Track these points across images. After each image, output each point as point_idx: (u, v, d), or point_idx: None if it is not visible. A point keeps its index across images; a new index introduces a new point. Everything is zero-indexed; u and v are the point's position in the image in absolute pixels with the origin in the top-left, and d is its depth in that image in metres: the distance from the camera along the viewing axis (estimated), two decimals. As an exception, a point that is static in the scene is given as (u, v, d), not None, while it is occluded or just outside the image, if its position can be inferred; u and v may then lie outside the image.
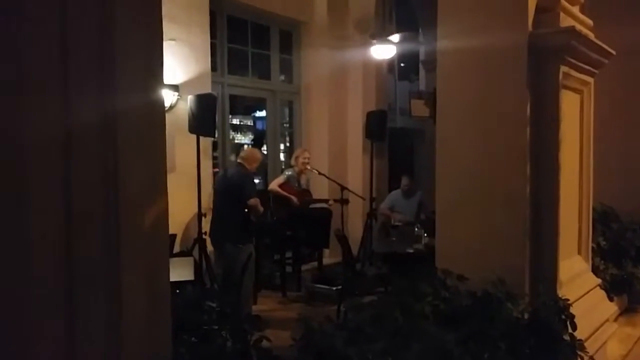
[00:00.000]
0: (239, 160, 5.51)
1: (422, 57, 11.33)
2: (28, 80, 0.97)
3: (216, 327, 2.15)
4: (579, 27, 3.71)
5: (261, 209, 5.43)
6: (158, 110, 1.28)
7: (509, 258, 3.51)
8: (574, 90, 4.04)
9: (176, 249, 5.53)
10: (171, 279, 3.69)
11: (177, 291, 2.55)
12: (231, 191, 5.30)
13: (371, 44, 7.56)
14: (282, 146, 8.69)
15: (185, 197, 5.83)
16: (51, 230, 1.01)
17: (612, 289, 4.64)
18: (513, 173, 3.59)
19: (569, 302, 3.21)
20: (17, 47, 0.94)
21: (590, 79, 4.24)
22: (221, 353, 2.05)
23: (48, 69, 0.99)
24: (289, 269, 6.69)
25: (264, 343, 2.37)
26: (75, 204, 1.03)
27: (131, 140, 1.13)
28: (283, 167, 7.99)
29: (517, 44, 3.55)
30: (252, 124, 12.13)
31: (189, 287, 2.46)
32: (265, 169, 8.18)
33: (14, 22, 0.93)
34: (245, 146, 5.97)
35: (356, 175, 8.20)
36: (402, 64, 13.87)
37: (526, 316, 3.08)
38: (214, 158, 7.02)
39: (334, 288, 5.93)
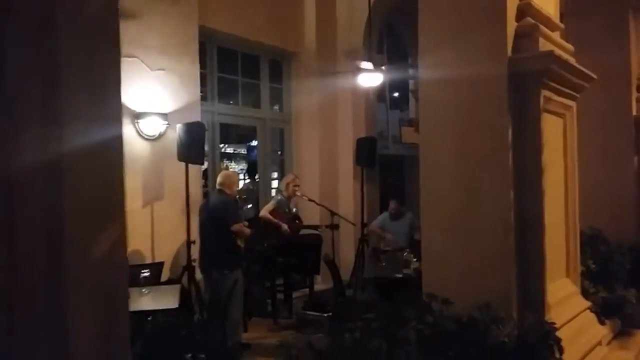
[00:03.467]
0: (217, 187, 5.52)
1: (411, 86, 11.48)
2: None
3: (187, 355, 2.11)
4: (558, 51, 3.77)
5: (247, 231, 5.41)
6: (114, 147, 1.25)
7: (495, 282, 3.49)
8: (556, 114, 4.08)
9: (164, 276, 5.49)
10: (155, 307, 3.69)
11: (149, 318, 2.52)
12: (214, 219, 5.29)
13: (360, 73, 7.66)
14: (275, 174, 8.72)
15: (174, 224, 5.82)
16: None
17: (603, 312, 4.60)
18: (497, 198, 3.59)
19: (555, 325, 3.18)
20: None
21: (572, 103, 4.29)
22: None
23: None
24: (280, 295, 6.64)
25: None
26: (20, 247, 1.01)
27: (80, 179, 1.12)
28: (273, 194, 8.00)
29: (497, 70, 3.59)
30: (245, 153, 12.21)
31: (160, 314, 2.43)
32: (256, 196, 8.18)
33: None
34: (223, 171, 5.94)
35: (347, 201, 8.22)
36: (395, 94, 14.05)
37: (512, 340, 3.05)
38: (204, 186, 7.03)
39: (325, 314, 5.87)
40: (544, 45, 3.76)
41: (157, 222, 5.83)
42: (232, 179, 5.56)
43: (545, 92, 3.73)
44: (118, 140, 1.23)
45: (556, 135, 4.11)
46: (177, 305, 3.78)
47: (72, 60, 1.03)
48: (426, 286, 3.68)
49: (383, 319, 2.95)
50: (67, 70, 1.01)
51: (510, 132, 3.57)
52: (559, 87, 3.90)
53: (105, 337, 1.14)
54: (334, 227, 7.05)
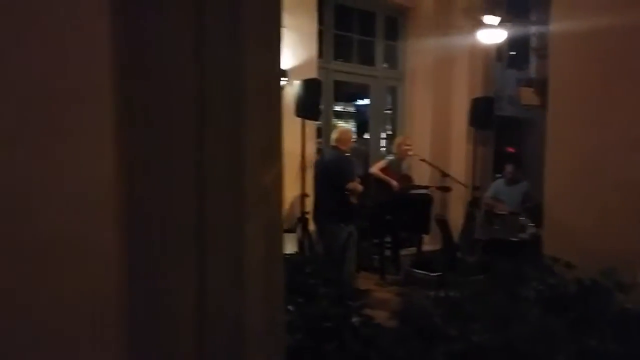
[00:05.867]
0: (332, 143, 5.65)
1: (533, 43, 10.87)
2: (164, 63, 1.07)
3: (320, 290, 2.28)
4: None
5: (360, 188, 5.53)
6: (276, 81, 1.37)
7: (622, 246, 3.36)
8: None
9: (280, 226, 5.78)
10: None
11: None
12: (330, 176, 5.45)
13: (478, 30, 7.38)
14: (383, 134, 8.74)
15: (289, 178, 6.07)
16: (186, 196, 1.10)
17: None
18: (629, 160, 3.43)
19: (687, 296, 3.02)
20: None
21: None
22: (325, 314, 2.18)
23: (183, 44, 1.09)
24: (387, 252, 6.75)
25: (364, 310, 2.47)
26: (206, 169, 1.12)
27: (255, 108, 1.23)
28: (383, 153, 8.05)
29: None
30: (354, 111, 12.29)
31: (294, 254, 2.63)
32: (366, 155, 8.28)
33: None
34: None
35: (459, 164, 8.07)
36: (511, 52, 13.37)
37: (637, 307, 2.94)
38: (318, 143, 7.23)
39: (433, 274, 5.92)
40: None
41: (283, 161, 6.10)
42: (348, 135, 5.69)
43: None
44: (278, 76, 1.36)
45: None
46: (296, 250, 4.03)
47: (252, 13, 1.15)
48: (547, 250, 3.62)
49: (503, 276, 2.96)
50: (248, 23, 1.14)
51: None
52: None
53: (268, 259, 1.29)
54: (444, 189, 6.99)
